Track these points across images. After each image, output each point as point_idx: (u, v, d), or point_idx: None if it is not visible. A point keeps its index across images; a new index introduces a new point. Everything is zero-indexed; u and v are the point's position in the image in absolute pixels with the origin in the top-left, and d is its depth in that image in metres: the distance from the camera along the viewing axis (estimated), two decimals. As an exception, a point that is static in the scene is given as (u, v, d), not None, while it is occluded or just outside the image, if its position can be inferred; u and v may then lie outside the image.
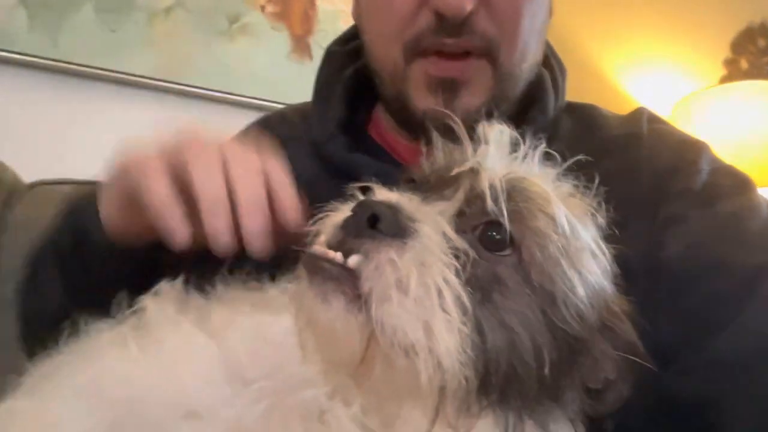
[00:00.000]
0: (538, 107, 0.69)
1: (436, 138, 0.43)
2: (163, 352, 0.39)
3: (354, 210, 0.36)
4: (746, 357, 0.47)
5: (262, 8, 1.56)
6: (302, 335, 0.37)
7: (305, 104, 0.79)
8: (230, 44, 1.52)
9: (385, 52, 0.66)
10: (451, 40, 0.61)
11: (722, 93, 1.70)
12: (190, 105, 1.48)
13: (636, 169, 0.63)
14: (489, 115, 0.62)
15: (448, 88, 0.63)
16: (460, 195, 0.39)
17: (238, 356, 0.39)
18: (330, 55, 0.78)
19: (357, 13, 0.74)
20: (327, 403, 0.37)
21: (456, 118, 0.41)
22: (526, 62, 0.66)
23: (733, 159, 1.68)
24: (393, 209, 0.36)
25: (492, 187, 0.37)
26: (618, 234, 0.58)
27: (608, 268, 0.41)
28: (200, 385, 0.37)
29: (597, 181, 0.43)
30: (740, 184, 0.60)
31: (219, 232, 0.41)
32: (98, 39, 1.37)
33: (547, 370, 0.37)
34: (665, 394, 0.52)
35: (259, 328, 0.41)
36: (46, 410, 0.37)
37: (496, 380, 0.36)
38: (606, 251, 0.41)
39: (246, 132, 0.83)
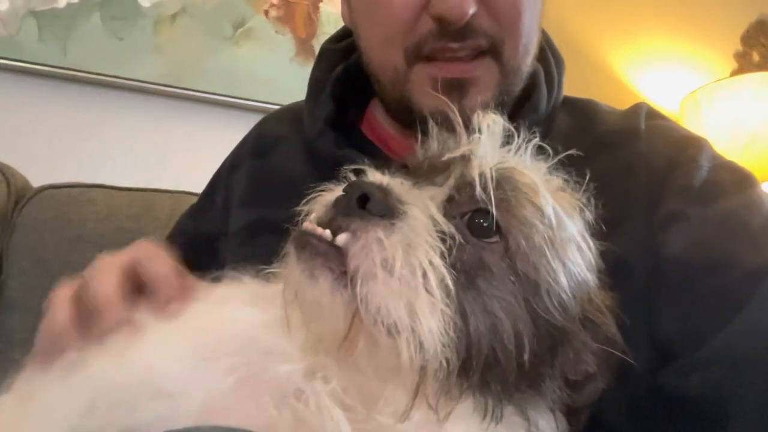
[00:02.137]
0: (529, 104, 0.68)
1: (432, 127, 0.43)
2: (138, 340, 0.39)
3: (345, 189, 0.37)
4: (750, 354, 0.47)
5: (266, 13, 1.57)
6: (288, 310, 0.37)
7: (299, 103, 0.80)
8: (235, 49, 1.54)
9: (384, 57, 0.66)
10: (457, 44, 0.61)
11: (731, 86, 1.67)
12: (196, 110, 1.50)
13: (633, 165, 0.62)
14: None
15: (456, 87, 0.62)
16: (451, 181, 0.39)
17: (208, 335, 0.39)
18: (323, 53, 0.78)
19: (349, 17, 0.73)
20: (303, 381, 0.37)
21: (452, 106, 0.41)
22: (530, 55, 0.66)
23: (743, 151, 1.64)
24: (383, 190, 0.36)
25: (482, 174, 0.38)
26: (614, 230, 0.58)
27: (593, 261, 0.41)
28: (168, 365, 0.37)
29: (588, 176, 0.43)
30: (741, 180, 0.59)
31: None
32: (106, 47, 1.40)
33: (526, 357, 0.37)
34: (667, 390, 0.52)
35: (230, 312, 0.41)
36: (32, 401, 0.38)
37: (476, 364, 0.37)
38: (591, 245, 0.41)
39: (246, 135, 0.85)
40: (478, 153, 0.39)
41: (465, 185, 0.39)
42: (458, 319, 0.36)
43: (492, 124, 0.40)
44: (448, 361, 0.36)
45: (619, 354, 0.42)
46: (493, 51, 0.62)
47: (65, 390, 0.37)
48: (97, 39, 1.39)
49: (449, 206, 0.39)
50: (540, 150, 0.44)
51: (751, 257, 0.50)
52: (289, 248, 0.37)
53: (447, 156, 0.39)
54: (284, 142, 0.77)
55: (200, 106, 1.50)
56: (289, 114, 0.83)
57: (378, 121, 0.75)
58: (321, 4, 1.64)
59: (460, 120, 0.41)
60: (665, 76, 1.97)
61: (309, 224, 0.37)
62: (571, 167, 0.63)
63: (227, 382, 0.37)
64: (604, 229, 0.57)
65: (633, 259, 0.56)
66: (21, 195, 1.07)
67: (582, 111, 0.73)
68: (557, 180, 0.43)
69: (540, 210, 0.38)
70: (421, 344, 0.35)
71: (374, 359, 0.36)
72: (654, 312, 0.54)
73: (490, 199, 0.37)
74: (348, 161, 0.65)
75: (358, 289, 0.34)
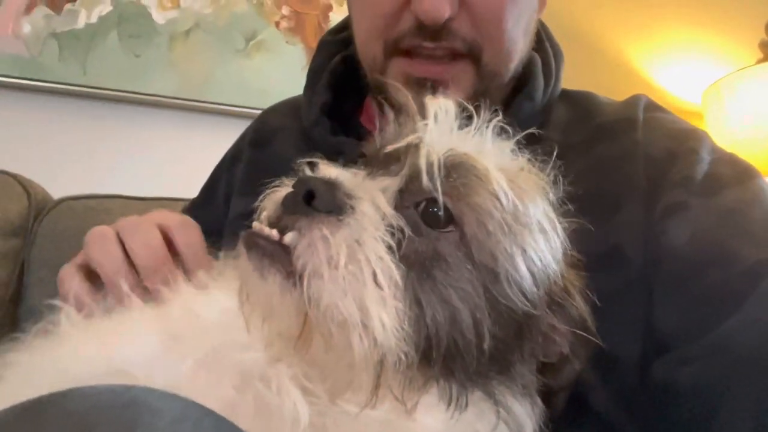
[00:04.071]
0: (525, 92, 0.68)
1: (388, 112, 0.43)
2: (103, 327, 0.41)
3: (294, 186, 0.37)
4: (747, 349, 0.46)
5: (277, 24, 1.61)
6: (245, 309, 0.38)
7: (298, 96, 0.82)
8: (248, 61, 1.57)
9: (366, 45, 0.68)
10: (431, 44, 0.62)
11: (755, 75, 1.61)
12: (211, 121, 1.54)
13: (630, 154, 0.62)
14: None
15: (428, 87, 0.63)
16: (405, 171, 0.39)
17: (178, 322, 0.40)
18: (322, 44, 0.80)
19: (348, 3, 0.75)
20: (268, 365, 0.38)
21: (405, 90, 0.42)
22: (513, 61, 0.66)
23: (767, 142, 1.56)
24: (330, 185, 0.36)
25: (429, 163, 0.37)
26: (611, 218, 0.57)
27: (559, 243, 0.40)
28: (134, 350, 0.38)
29: (555, 153, 0.42)
30: (742, 173, 0.58)
31: (122, 294, 0.50)
32: (123, 64, 1.45)
33: (486, 345, 0.37)
34: (659, 381, 0.51)
35: (199, 302, 0.42)
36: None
37: (436, 354, 0.36)
38: (558, 226, 0.40)
39: (246, 128, 0.87)
40: (428, 140, 0.39)
41: (416, 174, 0.39)
42: (414, 311, 0.36)
43: (442, 109, 0.40)
44: (406, 354, 0.36)
45: (588, 336, 0.41)
46: (471, 55, 0.63)
47: (30, 372, 0.38)
48: (114, 57, 1.44)
49: (403, 196, 0.39)
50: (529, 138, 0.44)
51: (752, 253, 0.50)
52: (240, 248, 0.37)
53: (391, 147, 0.39)
54: (282, 133, 0.78)
55: (215, 117, 1.54)
56: (288, 106, 0.85)
57: (374, 110, 0.76)
58: (331, 14, 1.66)
59: (414, 107, 0.41)
60: (687, 69, 1.91)
61: (257, 224, 0.37)
62: (569, 157, 0.63)
63: (190, 366, 0.38)
64: (602, 217, 0.57)
65: (629, 248, 0.56)
66: (41, 207, 1.11)
67: (580, 102, 0.73)
68: (521, 160, 0.42)
69: (494, 196, 0.37)
70: (374, 339, 0.35)
71: (330, 355, 0.37)
72: (652, 302, 0.54)
73: (437, 188, 0.37)
74: (343, 148, 0.66)
75: (305, 287, 0.34)
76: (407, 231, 0.36)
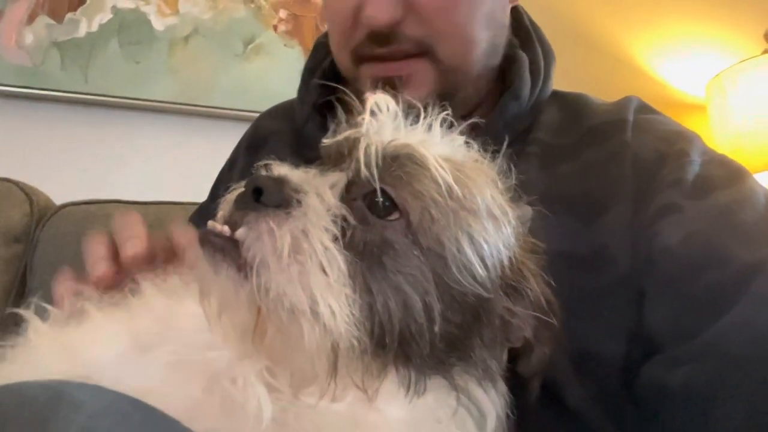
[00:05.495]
0: (511, 92, 0.68)
1: (340, 113, 0.44)
2: (71, 334, 0.42)
3: (245, 185, 0.38)
4: (741, 348, 0.46)
5: (275, 27, 1.62)
6: (204, 305, 0.39)
7: (292, 99, 0.84)
8: (246, 65, 1.59)
9: (338, 57, 0.71)
10: (383, 49, 0.64)
11: (758, 65, 1.59)
12: (212, 125, 1.56)
13: (618, 154, 0.62)
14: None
15: (391, 85, 0.65)
16: (353, 165, 0.40)
17: (146, 324, 0.41)
18: (316, 45, 0.82)
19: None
20: (233, 365, 0.39)
21: (349, 92, 0.43)
22: (475, 53, 0.66)
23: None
24: (278, 182, 0.37)
25: (367, 153, 0.38)
26: (599, 218, 0.57)
27: (510, 229, 0.40)
28: (101, 354, 0.39)
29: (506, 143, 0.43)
30: (733, 173, 0.59)
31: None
32: (124, 71, 1.48)
33: (438, 329, 0.37)
34: (648, 381, 0.51)
35: (168, 306, 0.43)
36: None
37: (390, 340, 0.37)
38: (509, 213, 0.40)
39: (244, 133, 0.90)
40: (367, 134, 0.40)
41: (360, 167, 0.40)
42: (365, 298, 0.37)
43: (382, 103, 0.41)
44: (359, 340, 0.37)
45: (546, 317, 0.42)
46: (426, 53, 0.64)
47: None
48: (115, 64, 1.47)
49: (351, 189, 0.40)
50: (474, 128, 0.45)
51: (744, 254, 0.50)
52: (196, 246, 0.38)
53: (333, 140, 0.40)
54: (276, 136, 0.81)
55: (215, 121, 1.56)
56: (281, 109, 0.87)
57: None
58: (328, 15, 1.68)
59: (358, 105, 0.42)
60: (690, 61, 1.89)
61: (211, 222, 0.38)
62: (559, 159, 0.64)
63: (157, 368, 0.40)
64: (590, 218, 0.58)
65: (616, 248, 0.57)
66: (43, 213, 1.14)
67: (571, 104, 0.73)
68: (472, 152, 0.43)
69: (437, 183, 0.38)
70: (324, 325, 0.36)
71: (285, 344, 0.38)
72: (643, 304, 0.54)
73: (374, 177, 0.38)
74: None
75: (255, 279, 0.35)
76: (352, 220, 0.37)
